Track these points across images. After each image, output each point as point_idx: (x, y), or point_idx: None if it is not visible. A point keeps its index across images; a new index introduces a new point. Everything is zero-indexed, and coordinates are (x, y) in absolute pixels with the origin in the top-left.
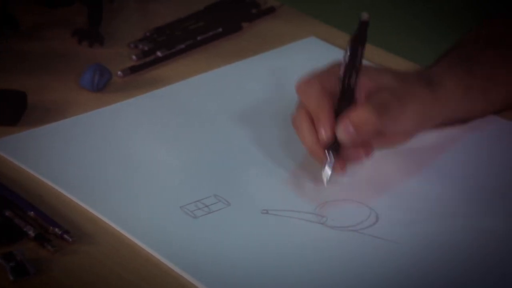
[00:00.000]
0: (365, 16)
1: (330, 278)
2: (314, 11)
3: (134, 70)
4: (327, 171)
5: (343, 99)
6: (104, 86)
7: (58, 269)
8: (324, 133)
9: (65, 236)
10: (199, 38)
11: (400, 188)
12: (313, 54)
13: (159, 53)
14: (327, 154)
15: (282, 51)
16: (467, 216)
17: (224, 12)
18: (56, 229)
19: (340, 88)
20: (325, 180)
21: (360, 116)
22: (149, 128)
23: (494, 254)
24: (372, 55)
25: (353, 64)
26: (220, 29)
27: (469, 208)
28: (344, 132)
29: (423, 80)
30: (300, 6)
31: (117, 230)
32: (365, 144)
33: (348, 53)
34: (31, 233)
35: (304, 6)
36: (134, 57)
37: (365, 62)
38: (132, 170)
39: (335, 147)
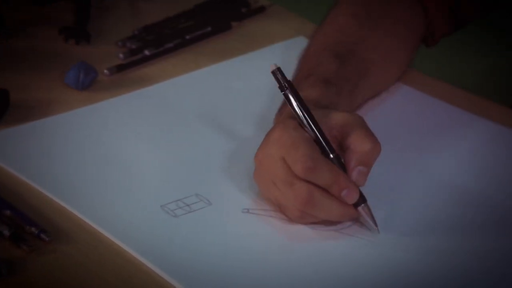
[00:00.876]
0: (272, 67)
1: (309, 277)
2: (305, 11)
3: (120, 68)
4: (371, 220)
5: (324, 150)
6: (90, 85)
7: (33, 270)
8: (355, 194)
9: (42, 235)
10: (187, 37)
11: (381, 186)
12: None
13: (146, 52)
14: (362, 209)
15: (269, 51)
16: (450, 216)
17: (213, 11)
18: (33, 228)
19: (318, 139)
20: (378, 228)
21: (365, 151)
22: (133, 127)
23: (476, 251)
24: None
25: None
26: (209, 28)
27: (449, 206)
28: (361, 176)
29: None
30: (291, 6)
31: (96, 229)
32: None
33: (296, 109)
34: (6, 232)
35: (295, 6)
36: (121, 55)
37: None
38: (113, 169)
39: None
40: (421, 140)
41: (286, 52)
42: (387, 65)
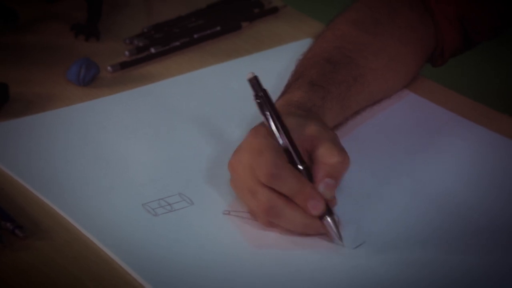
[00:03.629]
0: (249, 75)
1: (284, 281)
2: (320, 13)
3: (124, 65)
4: (336, 233)
5: (293, 160)
6: (92, 81)
7: (4, 266)
8: (321, 205)
9: (17, 231)
10: (195, 36)
11: (360, 191)
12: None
13: (152, 50)
14: (329, 220)
15: (276, 52)
16: (433, 225)
17: (225, 11)
18: (8, 224)
19: (288, 149)
20: (343, 242)
21: (333, 164)
22: (126, 124)
23: (460, 264)
24: None
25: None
26: (218, 28)
27: (433, 217)
28: (328, 188)
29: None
30: (306, 8)
31: (74, 226)
32: None
33: (268, 118)
34: None
35: (310, 8)
36: (127, 52)
37: None
38: (100, 166)
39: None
40: (413, 146)
41: (292, 54)
42: (390, 72)
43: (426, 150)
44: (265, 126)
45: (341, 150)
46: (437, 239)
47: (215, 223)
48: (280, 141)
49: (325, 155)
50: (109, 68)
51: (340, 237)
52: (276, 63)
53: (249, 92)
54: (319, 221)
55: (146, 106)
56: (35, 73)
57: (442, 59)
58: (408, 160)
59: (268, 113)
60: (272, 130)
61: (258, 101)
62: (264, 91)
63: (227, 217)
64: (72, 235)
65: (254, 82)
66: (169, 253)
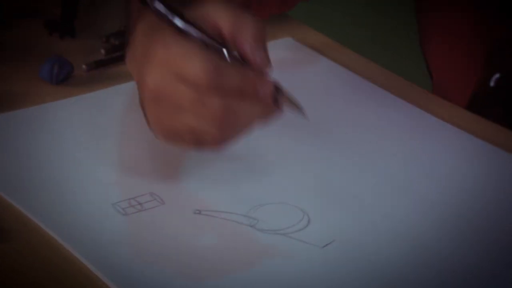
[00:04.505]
0: None
1: (253, 281)
2: (299, 13)
3: (100, 64)
4: (297, 104)
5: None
6: (65, 79)
7: None
8: (271, 85)
9: None
10: None
11: (336, 191)
12: (285, 55)
13: None
14: (282, 98)
15: None
16: (403, 224)
17: None
18: None
19: (206, 42)
20: (304, 112)
21: (251, 28)
22: (100, 123)
23: (426, 258)
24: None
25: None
26: None
27: (405, 215)
28: (263, 57)
29: None
30: None
31: (39, 227)
32: None
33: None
34: None
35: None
36: (102, 51)
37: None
38: (70, 165)
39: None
40: (390, 148)
41: (271, 52)
42: None
43: (403, 152)
44: (165, 30)
45: (249, 15)
46: (407, 241)
47: (186, 223)
48: (194, 34)
49: (238, 25)
50: (84, 66)
51: (300, 106)
52: None
53: None
54: (273, 103)
55: (120, 105)
56: (6, 70)
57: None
58: (383, 161)
59: (169, 12)
60: (180, 29)
61: (154, 7)
62: None
63: (198, 216)
64: (38, 236)
65: None
66: (138, 253)
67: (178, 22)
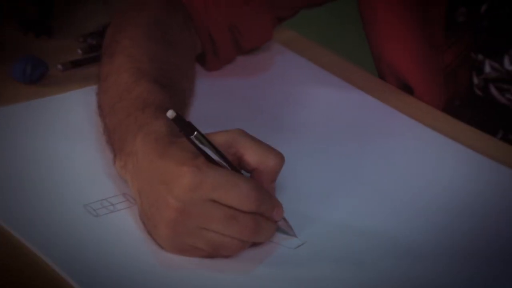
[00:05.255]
0: (169, 113)
1: (226, 281)
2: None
3: (76, 64)
4: (292, 229)
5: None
6: (40, 79)
7: None
8: (282, 210)
9: None
10: None
11: (308, 192)
12: (271, 59)
13: None
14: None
15: None
16: (376, 224)
17: None
18: None
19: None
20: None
21: (272, 168)
22: (74, 123)
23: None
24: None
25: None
26: None
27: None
28: (274, 193)
29: None
30: None
31: (5, 229)
32: None
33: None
34: None
35: None
36: (79, 51)
37: None
38: (41, 165)
39: None
40: (360, 147)
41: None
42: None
43: (373, 152)
44: (195, 156)
45: (272, 150)
46: (380, 241)
47: None
48: (224, 165)
49: (261, 160)
50: (59, 66)
51: (294, 231)
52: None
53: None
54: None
55: (95, 105)
56: None
57: (218, 63)
58: (354, 161)
59: (207, 141)
60: (210, 158)
61: (194, 135)
62: (189, 123)
63: None
64: (4, 238)
65: (177, 122)
66: (107, 255)
67: (211, 151)
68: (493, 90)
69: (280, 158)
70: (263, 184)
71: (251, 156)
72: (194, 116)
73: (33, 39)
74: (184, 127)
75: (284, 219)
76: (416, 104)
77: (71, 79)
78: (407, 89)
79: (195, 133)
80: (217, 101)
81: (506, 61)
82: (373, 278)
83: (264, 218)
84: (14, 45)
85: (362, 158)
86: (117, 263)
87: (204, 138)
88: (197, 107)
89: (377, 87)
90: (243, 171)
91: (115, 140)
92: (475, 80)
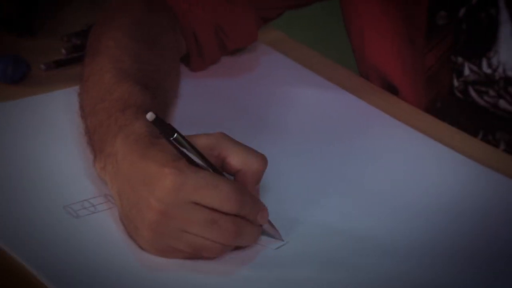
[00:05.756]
0: (148, 115)
1: (208, 280)
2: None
3: (59, 64)
4: (276, 232)
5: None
6: (21, 79)
7: None
8: (267, 213)
9: None
10: None
11: (290, 193)
12: (256, 59)
13: None
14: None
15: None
16: (357, 224)
17: None
18: None
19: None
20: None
21: (256, 170)
22: (55, 124)
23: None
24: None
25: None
26: None
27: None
28: (258, 194)
29: None
30: None
31: None
32: None
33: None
34: None
35: None
36: (63, 50)
37: None
38: (21, 166)
39: None
40: (346, 148)
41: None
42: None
43: (358, 152)
44: (176, 159)
45: (256, 153)
46: (363, 242)
47: None
48: (206, 168)
49: (245, 162)
50: (42, 66)
51: (280, 235)
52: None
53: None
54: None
55: (76, 106)
56: None
57: (203, 64)
58: (338, 162)
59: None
60: (191, 160)
61: (174, 138)
62: (169, 125)
63: None
64: None
65: (158, 124)
66: (87, 256)
67: (191, 153)
68: (472, 93)
69: (263, 160)
70: (247, 187)
71: (234, 158)
72: (179, 116)
73: (16, 38)
74: (164, 129)
75: (270, 222)
76: (400, 105)
77: (54, 79)
78: (391, 89)
79: (175, 135)
80: (202, 102)
81: (484, 64)
82: (356, 279)
83: (247, 222)
84: None
85: (347, 159)
86: (98, 264)
87: (185, 140)
88: (183, 107)
89: (362, 87)
90: (227, 174)
91: (96, 141)
92: (455, 83)
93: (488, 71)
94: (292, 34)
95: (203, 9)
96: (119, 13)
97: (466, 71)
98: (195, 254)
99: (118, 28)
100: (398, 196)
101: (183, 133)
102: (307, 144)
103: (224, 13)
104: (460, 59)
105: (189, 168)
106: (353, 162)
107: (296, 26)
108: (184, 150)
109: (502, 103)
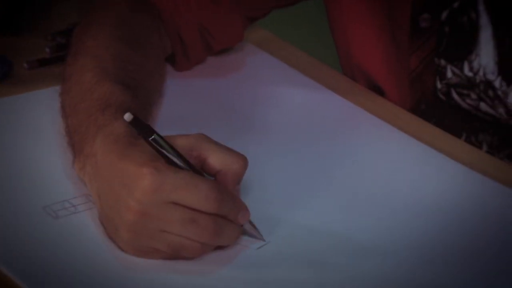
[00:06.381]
0: (126, 116)
1: (188, 281)
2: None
3: (43, 63)
4: (257, 232)
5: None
6: (3, 77)
7: None
8: (248, 213)
9: None
10: None
11: (271, 192)
12: (243, 59)
13: None
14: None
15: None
16: (338, 223)
17: None
18: None
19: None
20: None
21: (236, 171)
22: (36, 124)
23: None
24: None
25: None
26: None
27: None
28: (239, 193)
29: None
30: None
31: None
32: None
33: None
34: None
35: None
36: (47, 49)
37: None
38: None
39: None
40: (329, 146)
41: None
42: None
43: (343, 153)
44: (154, 159)
45: (237, 153)
46: (345, 242)
47: None
48: (185, 167)
49: (225, 163)
50: (25, 64)
51: (261, 235)
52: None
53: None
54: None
55: (58, 106)
56: None
57: (188, 64)
58: (323, 162)
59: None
60: (170, 161)
61: (153, 138)
62: (148, 125)
63: None
64: None
65: (134, 124)
66: (66, 258)
67: (170, 154)
68: (455, 95)
69: (244, 160)
70: (227, 187)
71: (214, 159)
72: (165, 116)
73: (1, 37)
74: (142, 129)
75: (251, 222)
76: (386, 105)
77: (37, 78)
78: (376, 89)
79: (154, 135)
80: (188, 102)
81: (466, 67)
82: (337, 280)
83: (226, 221)
84: None
85: (332, 159)
86: (78, 265)
87: (163, 140)
88: (168, 107)
89: (348, 87)
90: (207, 175)
91: (76, 141)
92: (439, 85)
93: (470, 74)
94: (279, 33)
95: (187, 9)
96: (102, 12)
97: (449, 74)
98: (174, 254)
99: (100, 28)
100: (381, 197)
101: (168, 133)
102: (292, 144)
103: (209, 14)
104: (443, 62)
105: (168, 168)
106: (338, 163)
107: (283, 25)
108: (163, 151)
109: (483, 106)
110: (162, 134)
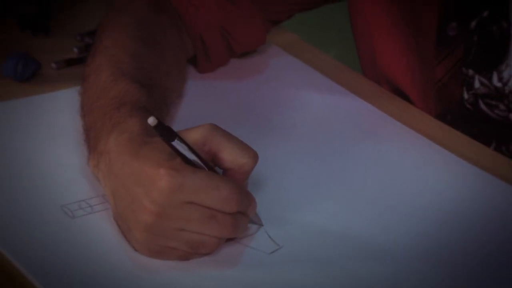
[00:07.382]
0: (150, 120)
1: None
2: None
3: (71, 63)
4: (258, 219)
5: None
6: (32, 77)
7: None
8: (256, 205)
9: None
10: None
11: (286, 197)
12: (266, 61)
13: None
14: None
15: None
16: (350, 227)
17: None
18: None
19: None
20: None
21: (245, 166)
22: (58, 123)
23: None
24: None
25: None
26: None
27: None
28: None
29: None
30: None
31: None
32: None
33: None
34: None
35: None
36: (75, 49)
37: None
38: (22, 164)
39: None
40: (342, 149)
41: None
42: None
43: (363, 157)
44: (171, 158)
45: (249, 150)
46: (358, 246)
47: None
48: (203, 167)
49: (237, 159)
50: (53, 64)
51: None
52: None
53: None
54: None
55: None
56: None
57: (211, 66)
58: (343, 165)
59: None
60: (190, 160)
61: (176, 141)
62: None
63: None
64: None
65: (158, 129)
66: (82, 257)
67: (188, 153)
68: (483, 106)
69: (255, 157)
70: (237, 181)
71: (226, 155)
72: (185, 117)
73: (30, 37)
74: (165, 133)
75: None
76: (410, 111)
77: (64, 78)
78: (402, 96)
79: (176, 139)
80: (209, 103)
81: (495, 78)
82: (349, 282)
83: (241, 214)
84: (10, 42)
85: (351, 163)
86: (93, 265)
87: (183, 142)
88: (189, 108)
89: (372, 92)
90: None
91: (91, 139)
92: (465, 95)
93: (498, 84)
94: (304, 36)
95: (208, 12)
96: (122, 12)
97: (477, 84)
98: (192, 252)
99: (118, 28)
100: (400, 202)
101: None
102: (313, 147)
103: (229, 16)
104: (471, 72)
105: (185, 168)
106: (358, 167)
107: (309, 28)
108: (184, 153)
109: None
110: None
